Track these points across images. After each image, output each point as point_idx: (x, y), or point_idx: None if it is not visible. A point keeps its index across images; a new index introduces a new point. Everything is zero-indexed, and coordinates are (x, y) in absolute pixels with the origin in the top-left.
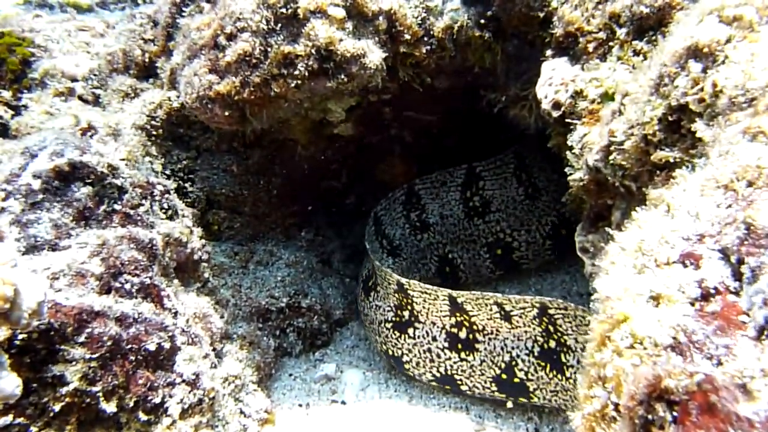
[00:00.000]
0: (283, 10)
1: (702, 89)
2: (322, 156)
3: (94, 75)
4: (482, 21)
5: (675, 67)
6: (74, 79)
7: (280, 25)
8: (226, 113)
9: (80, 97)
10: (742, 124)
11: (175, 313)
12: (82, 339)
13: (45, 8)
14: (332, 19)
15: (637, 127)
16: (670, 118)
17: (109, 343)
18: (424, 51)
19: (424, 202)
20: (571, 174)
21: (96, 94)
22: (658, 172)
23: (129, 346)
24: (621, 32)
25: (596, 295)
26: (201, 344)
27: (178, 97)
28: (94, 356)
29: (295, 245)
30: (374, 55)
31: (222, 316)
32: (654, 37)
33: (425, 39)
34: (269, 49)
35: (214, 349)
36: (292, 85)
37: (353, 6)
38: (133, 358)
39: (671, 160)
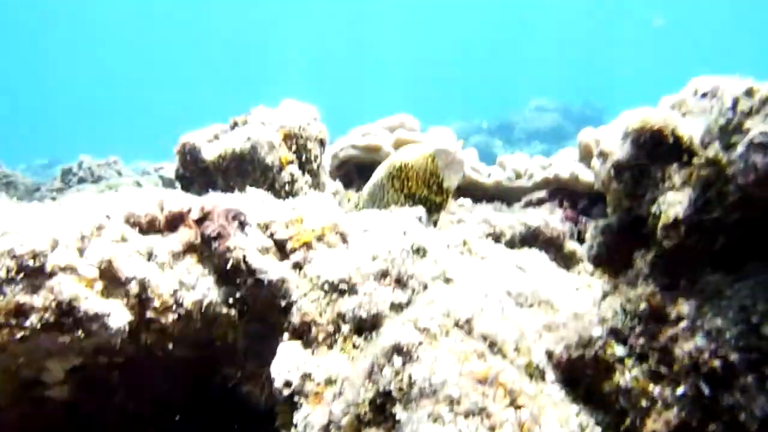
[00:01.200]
0: (30, 263)
1: (401, 379)
2: (21, 422)
3: None
4: (230, 300)
5: (383, 359)
6: None
7: (22, 274)
8: None
9: None
10: (427, 409)
11: None
12: None
13: None
14: (82, 277)
15: (353, 407)
16: (377, 401)
17: None
18: (170, 319)
19: None
20: None
21: None
22: None
23: None
24: (345, 328)
25: None
26: None
27: None
28: None
29: None
30: (119, 317)
31: None
32: (369, 336)
33: (174, 308)
34: (1, 297)
35: None
36: (18, 336)
37: (107, 269)
38: None
39: None
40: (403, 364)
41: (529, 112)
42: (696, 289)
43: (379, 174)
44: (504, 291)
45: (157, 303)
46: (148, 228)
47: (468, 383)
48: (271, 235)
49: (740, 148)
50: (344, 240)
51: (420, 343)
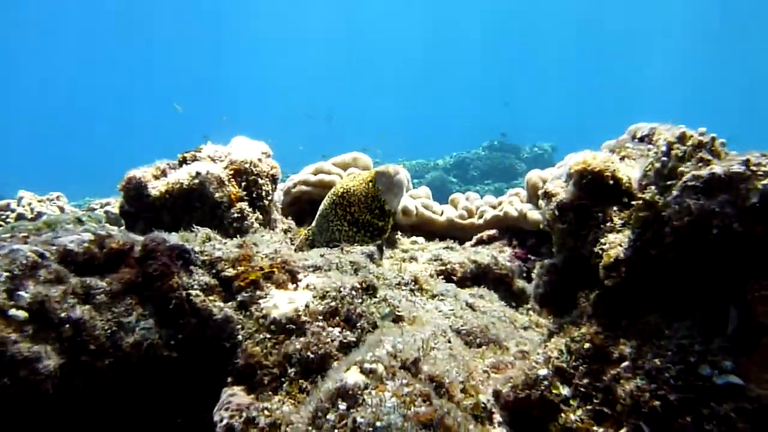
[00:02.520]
0: None
1: (346, 424)
2: None
3: None
4: (172, 342)
5: (327, 404)
6: None
7: None
8: None
9: None
10: None
11: None
12: None
13: None
14: (11, 319)
15: None
16: None
17: None
18: (106, 363)
19: None
20: None
21: None
22: None
23: None
24: (291, 371)
25: None
26: None
27: None
28: None
29: None
30: (50, 362)
31: None
32: (317, 378)
33: (111, 351)
34: None
35: None
36: None
37: (40, 310)
38: None
39: None
40: (348, 408)
41: (483, 151)
42: (637, 329)
43: (324, 204)
44: (454, 330)
45: (92, 346)
46: (86, 267)
47: (412, 428)
48: (217, 274)
49: (675, 192)
50: (293, 278)
51: (366, 387)
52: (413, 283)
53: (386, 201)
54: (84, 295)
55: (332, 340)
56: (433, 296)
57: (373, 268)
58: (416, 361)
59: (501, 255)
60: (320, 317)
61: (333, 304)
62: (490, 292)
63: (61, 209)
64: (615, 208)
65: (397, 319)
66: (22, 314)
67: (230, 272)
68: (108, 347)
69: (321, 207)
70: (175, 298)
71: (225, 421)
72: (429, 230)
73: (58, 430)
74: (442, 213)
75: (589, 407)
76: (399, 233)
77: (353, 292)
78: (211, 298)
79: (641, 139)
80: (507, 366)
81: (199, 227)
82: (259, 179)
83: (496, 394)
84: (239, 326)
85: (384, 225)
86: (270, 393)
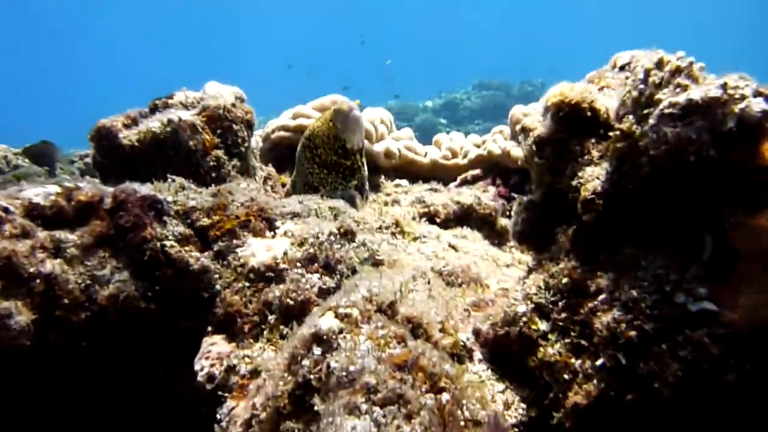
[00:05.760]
0: None
1: (320, 369)
2: None
3: None
4: (150, 294)
5: (303, 349)
6: None
7: None
8: None
9: None
10: (344, 399)
11: None
12: None
13: None
14: None
15: (272, 400)
16: (297, 393)
17: None
18: (82, 317)
19: None
20: None
21: None
22: None
23: None
24: (272, 318)
25: None
26: None
27: None
28: None
29: None
30: (21, 317)
31: None
32: (297, 324)
33: (86, 305)
34: None
35: None
36: None
37: (7, 266)
38: None
39: None
40: (323, 353)
41: (473, 90)
42: (614, 262)
43: (298, 148)
44: (435, 271)
45: (66, 300)
46: (54, 220)
47: (386, 370)
48: (192, 224)
49: (651, 120)
50: (270, 226)
51: (340, 331)
52: (394, 226)
53: (346, 139)
54: (54, 249)
55: (312, 287)
56: (415, 239)
57: (353, 213)
58: (392, 304)
59: (484, 194)
60: (299, 264)
61: (311, 250)
62: (473, 232)
63: None
64: (593, 141)
65: (377, 263)
66: None
67: (205, 221)
68: (83, 301)
69: (297, 152)
70: (150, 249)
71: (206, 370)
72: (413, 173)
73: (39, 386)
74: (426, 154)
75: (567, 341)
76: (383, 177)
77: (331, 238)
78: (186, 248)
79: (621, 68)
80: (488, 304)
81: (173, 177)
82: (234, 125)
83: (476, 331)
84: (217, 276)
85: (353, 164)
86: (251, 341)
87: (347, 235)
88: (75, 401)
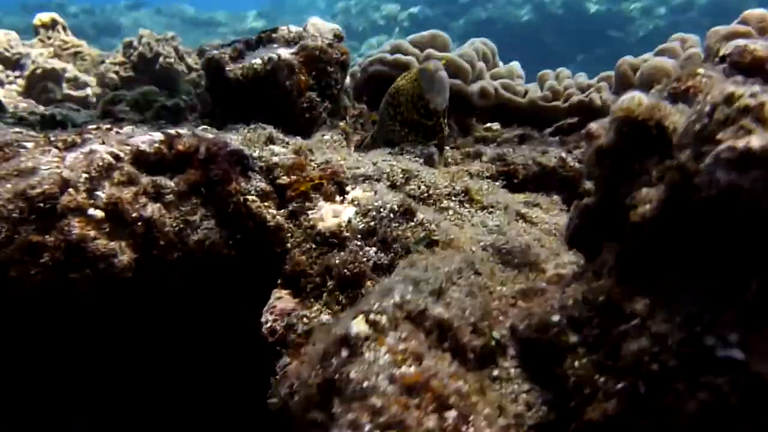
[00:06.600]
0: (41, 204)
1: (343, 374)
2: None
3: None
4: (231, 242)
5: (333, 348)
6: None
7: (34, 216)
8: None
9: None
10: (353, 414)
11: None
12: None
13: None
14: (90, 219)
15: (305, 386)
16: (323, 388)
17: None
18: (175, 257)
19: None
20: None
21: None
22: None
23: None
24: (330, 283)
25: None
26: None
27: None
28: None
29: None
30: (125, 257)
31: None
32: (352, 294)
33: (179, 246)
34: (16, 236)
35: None
36: (32, 272)
37: (114, 210)
38: None
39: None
40: (349, 356)
41: None
42: (653, 290)
43: (381, 103)
44: (495, 248)
45: (162, 242)
46: (156, 166)
47: (394, 392)
48: (272, 180)
49: (708, 160)
50: (341, 190)
51: (367, 338)
52: (464, 194)
53: (430, 99)
54: (155, 194)
55: (368, 260)
56: (483, 207)
57: (426, 176)
58: (423, 312)
59: (573, 153)
60: (359, 236)
61: (372, 224)
62: (550, 198)
63: (176, 50)
64: (655, 159)
65: (431, 243)
66: (99, 213)
67: (284, 180)
68: (176, 242)
69: (380, 107)
70: (233, 203)
71: (269, 324)
72: (509, 113)
73: (136, 316)
74: (525, 93)
75: (593, 357)
76: (474, 119)
77: (391, 215)
78: (266, 204)
79: (722, 59)
80: (536, 293)
81: (263, 125)
82: (329, 67)
83: (513, 328)
84: (289, 234)
85: (434, 125)
86: (312, 300)
87: (407, 213)
88: (168, 330)
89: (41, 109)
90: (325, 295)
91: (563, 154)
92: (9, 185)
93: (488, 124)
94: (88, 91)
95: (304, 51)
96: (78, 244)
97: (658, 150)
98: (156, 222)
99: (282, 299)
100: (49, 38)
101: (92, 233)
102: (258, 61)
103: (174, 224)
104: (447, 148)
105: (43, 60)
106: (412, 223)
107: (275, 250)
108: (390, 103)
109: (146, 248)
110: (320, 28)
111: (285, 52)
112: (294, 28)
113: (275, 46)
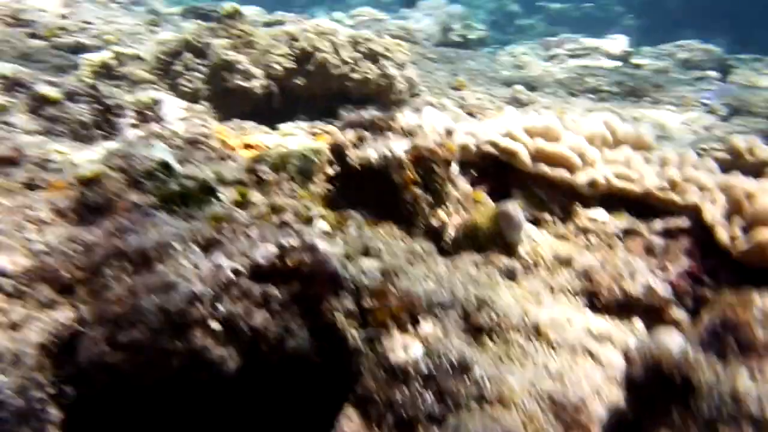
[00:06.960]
0: (176, 319)
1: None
2: None
3: None
4: (317, 352)
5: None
6: None
7: (169, 327)
8: None
9: None
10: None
11: None
12: None
13: None
14: (210, 330)
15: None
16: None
17: None
18: (275, 359)
19: None
20: None
21: None
22: None
23: None
24: (390, 418)
25: None
26: None
27: None
28: None
29: None
30: (233, 363)
31: None
32: None
33: (278, 350)
34: (155, 344)
35: None
36: (164, 374)
37: (230, 322)
38: None
39: None
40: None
41: None
42: None
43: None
44: (550, 398)
45: (264, 347)
46: (268, 276)
47: None
48: (357, 300)
49: None
50: (413, 320)
51: None
52: (534, 330)
53: (508, 237)
54: (263, 302)
55: (424, 408)
56: (549, 342)
57: (499, 304)
58: None
59: (670, 268)
60: (420, 378)
61: (434, 371)
62: (630, 334)
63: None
64: None
65: (481, 399)
66: (218, 326)
67: (367, 303)
68: (276, 347)
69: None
70: (324, 318)
71: None
72: (620, 196)
73: (238, 412)
74: (643, 179)
75: None
76: (577, 203)
77: (450, 369)
78: (349, 321)
79: None
80: None
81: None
82: (435, 166)
83: None
84: (363, 357)
85: (508, 252)
86: (377, 430)
87: (464, 370)
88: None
89: None
90: (385, 428)
91: (651, 280)
92: (156, 299)
93: (594, 214)
94: (255, 83)
95: (415, 151)
96: (199, 352)
97: None
98: (261, 330)
99: (350, 420)
100: (229, 27)
101: (210, 342)
102: (374, 153)
103: (277, 331)
104: (542, 232)
105: (222, 51)
106: (468, 381)
107: (350, 368)
108: (468, 236)
109: (251, 353)
110: (433, 122)
111: (398, 148)
112: (411, 122)
113: (390, 138)
